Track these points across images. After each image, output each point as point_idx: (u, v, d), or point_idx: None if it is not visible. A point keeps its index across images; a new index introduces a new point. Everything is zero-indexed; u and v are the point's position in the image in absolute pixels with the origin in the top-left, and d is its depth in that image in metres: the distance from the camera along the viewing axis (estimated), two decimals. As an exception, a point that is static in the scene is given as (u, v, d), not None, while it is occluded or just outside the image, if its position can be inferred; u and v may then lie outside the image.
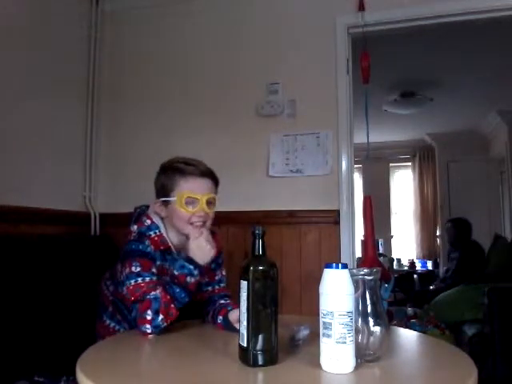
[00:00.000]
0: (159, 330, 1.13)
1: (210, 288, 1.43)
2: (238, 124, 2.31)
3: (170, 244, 1.32)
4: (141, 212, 1.36)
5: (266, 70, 2.30)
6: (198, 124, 2.36)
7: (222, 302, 1.37)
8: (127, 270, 1.22)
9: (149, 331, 1.12)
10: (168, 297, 1.15)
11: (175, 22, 2.47)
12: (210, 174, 1.34)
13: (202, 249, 1.24)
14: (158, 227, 1.31)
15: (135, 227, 1.29)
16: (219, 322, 1.23)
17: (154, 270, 1.24)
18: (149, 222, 1.31)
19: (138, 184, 2.40)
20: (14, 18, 1.94)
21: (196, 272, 1.21)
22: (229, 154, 2.30)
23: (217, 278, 1.44)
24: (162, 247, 1.30)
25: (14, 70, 1.93)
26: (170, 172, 1.32)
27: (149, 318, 1.12)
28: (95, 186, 2.43)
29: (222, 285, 1.45)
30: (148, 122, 2.45)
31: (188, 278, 1.20)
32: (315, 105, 2.22)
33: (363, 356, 0.88)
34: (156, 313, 1.13)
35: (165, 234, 1.32)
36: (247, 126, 2.29)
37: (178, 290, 1.17)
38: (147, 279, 1.20)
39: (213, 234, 1.38)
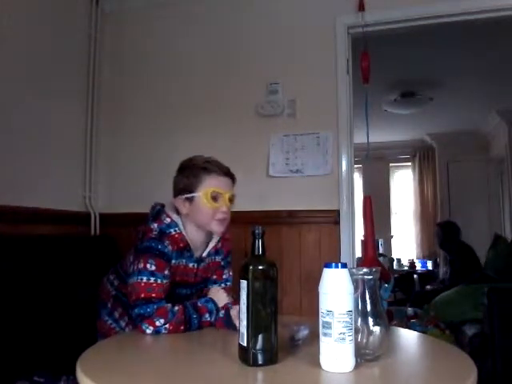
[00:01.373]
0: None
1: (216, 286, 1.45)
2: (238, 124, 2.31)
3: (188, 241, 1.35)
4: (159, 210, 1.38)
5: (266, 70, 2.30)
6: (198, 124, 2.36)
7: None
8: (141, 265, 1.24)
9: (148, 332, 1.15)
10: (183, 316, 1.18)
11: (175, 22, 2.47)
12: (230, 174, 1.41)
13: (220, 293, 1.33)
14: (177, 225, 1.35)
15: (155, 225, 1.32)
16: (220, 315, 1.25)
17: (166, 271, 1.28)
18: (168, 220, 1.34)
19: (138, 184, 2.41)
20: (14, 17, 1.94)
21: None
22: (229, 154, 2.27)
23: (224, 276, 1.49)
24: (181, 244, 1.33)
25: (14, 70, 1.93)
26: (195, 170, 1.36)
27: (157, 324, 1.16)
28: (95, 186, 2.44)
29: (228, 284, 1.49)
30: (148, 122, 2.45)
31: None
32: (315, 105, 2.22)
33: (363, 355, 0.89)
34: (166, 323, 1.16)
35: (184, 233, 1.35)
36: (247, 126, 2.29)
37: (194, 316, 1.20)
38: (159, 281, 1.24)
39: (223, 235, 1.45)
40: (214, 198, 1.33)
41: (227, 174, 1.38)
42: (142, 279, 1.22)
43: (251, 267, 0.90)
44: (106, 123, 2.50)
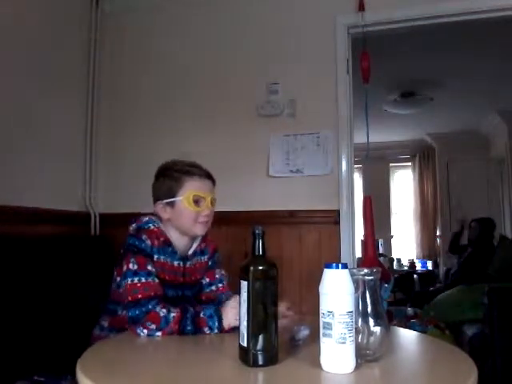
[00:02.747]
0: None
1: (213, 288, 1.45)
2: (239, 124, 2.31)
3: (169, 237, 1.34)
4: (138, 216, 1.36)
5: (266, 70, 2.30)
6: (198, 124, 2.36)
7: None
8: (125, 267, 1.24)
9: (142, 335, 1.13)
10: (177, 326, 1.13)
11: (175, 22, 2.47)
12: (210, 176, 1.40)
13: (232, 313, 1.16)
14: (156, 222, 1.33)
15: (134, 225, 1.32)
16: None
17: (149, 267, 1.24)
18: (146, 218, 1.34)
19: (137, 184, 2.40)
20: (14, 18, 1.94)
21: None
22: (229, 154, 2.30)
23: (217, 276, 1.47)
24: (161, 238, 1.31)
25: (14, 70, 1.93)
26: (176, 174, 1.34)
27: (150, 327, 1.13)
28: (95, 186, 2.44)
29: (224, 283, 1.47)
30: (148, 122, 2.45)
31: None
32: (315, 105, 2.22)
33: (363, 356, 0.88)
34: (158, 330, 1.13)
35: (163, 228, 1.34)
36: (247, 126, 2.29)
37: (189, 328, 1.14)
38: (143, 279, 1.21)
39: (205, 234, 1.43)
40: (196, 202, 1.32)
41: (208, 176, 1.38)
42: (127, 281, 1.21)
43: (252, 267, 0.90)
44: (106, 123, 2.50)
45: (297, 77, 2.26)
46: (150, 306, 1.15)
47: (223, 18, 2.41)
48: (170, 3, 2.47)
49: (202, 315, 1.16)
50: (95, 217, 2.37)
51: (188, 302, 1.29)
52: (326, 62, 2.22)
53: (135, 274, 1.21)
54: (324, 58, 2.23)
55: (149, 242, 1.28)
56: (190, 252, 1.40)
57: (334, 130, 2.19)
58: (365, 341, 0.89)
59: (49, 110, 2.13)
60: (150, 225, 1.31)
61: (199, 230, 1.35)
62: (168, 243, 1.33)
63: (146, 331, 1.13)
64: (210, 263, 1.47)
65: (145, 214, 1.36)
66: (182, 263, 1.37)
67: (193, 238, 1.40)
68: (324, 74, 2.23)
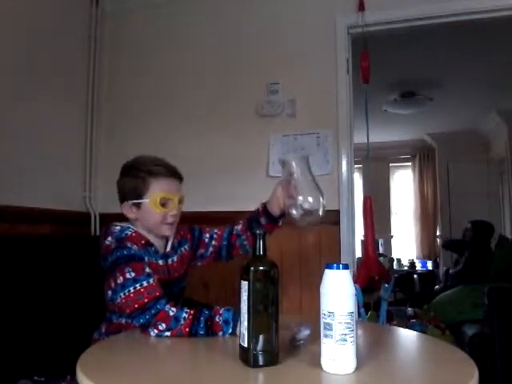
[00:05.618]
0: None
1: (213, 242, 1.47)
2: (238, 124, 2.31)
3: (148, 238, 1.32)
4: (106, 228, 1.34)
5: (266, 69, 2.30)
6: (198, 124, 2.36)
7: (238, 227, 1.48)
8: (121, 278, 1.18)
9: (152, 334, 1.11)
10: (187, 329, 1.09)
11: (175, 22, 2.47)
12: (177, 174, 1.36)
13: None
14: (129, 227, 1.31)
15: (109, 238, 1.27)
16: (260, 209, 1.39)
17: (147, 269, 1.22)
18: (118, 227, 1.31)
19: (138, 184, 2.41)
20: (14, 17, 1.94)
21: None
22: (229, 154, 2.30)
23: (207, 240, 1.47)
24: (142, 241, 1.29)
25: (13, 70, 1.93)
26: (141, 174, 1.32)
27: (160, 328, 1.10)
28: (95, 186, 2.44)
29: (216, 231, 1.49)
30: (148, 122, 2.45)
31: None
32: (315, 105, 2.22)
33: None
34: (167, 330, 1.10)
35: (139, 230, 1.32)
36: (247, 125, 2.29)
37: (201, 332, 1.10)
38: (145, 283, 1.17)
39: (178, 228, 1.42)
40: (163, 204, 1.30)
41: (174, 174, 1.34)
42: (129, 291, 1.15)
43: (252, 268, 0.89)
44: (106, 123, 2.50)
45: (297, 77, 2.26)
46: (158, 307, 1.13)
47: (223, 18, 2.41)
48: (170, 3, 2.47)
49: (217, 319, 1.11)
50: (95, 217, 2.37)
51: (174, 298, 1.25)
52: (326, 62, 2.22)
53: (135, 281, 1.17)
54: (324, 57, 2.23)
55: (135, 247, 1.25)
56: (168, 248, 1.38)
57: (333, 129, 2.18)
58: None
59: (49, 110, 2.13)
60: (127, 232, 1.28)
61: (167, 231, 1.33)
62: (149, 244, 1.32)
63: (156, 331, 1.10)
64: (195, 243, 1.46)
65: (112, 223, 1.33)
66: (163, 261, 1.35)
67: (164, 237, 1.38)
68: (324, 73, 2.23)
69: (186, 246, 1.45)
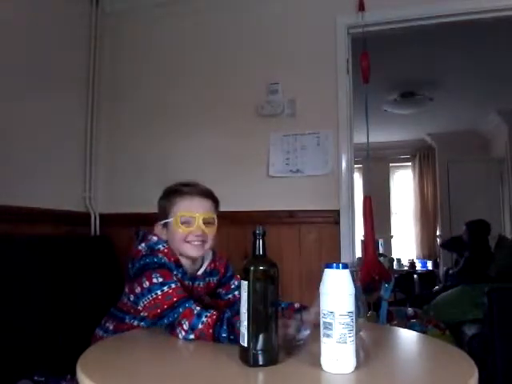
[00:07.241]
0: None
1: (230, 296, 1.44)
2: (238, 124, 2.31)
3: (178, 256, 1.31)
4: (144, 233, 1.35)
5: (266, 70, 2.30)
6: (198, 124, 2.36)
7: None
8: (147, 283, 1.18)
9: (180, 336, 1.09)
10: (210, 331, 1.06)
11: (175, 21, 2.47)
12: (208, 195, 1.35)
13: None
14: (165, 243, 1.31)
15: (143, 245, 1.28)
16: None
17: (174, 278, 1.22)
18: (155, 238, 1.31)
19: (137, 184, 2.41)
20: (14, 17, 1.94)
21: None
22: (229, 154, 2.30)
23: (233, 286, 1.46)
24: (172, 259, 1.29)
25: (13, 70, 1.93)
26: (170, 194, 1.34)
27: (185, 327, 1.09)
28: (95, 186, 2.43)
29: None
30: (148, 122, 2.45)
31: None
32: (315, 105, 2.22)
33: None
34: (191, 329, 1.08)
35: (172, 247, 1.32)
36: (247, 125, 2.29)
37: (224, 335, 1.05)
38: (173, 285, 1.17)
39: (214, 253, 1.42)
40: (186, 223, 1.28)
41: (203, 194, 1.33)
42: (156, 293, 1.15)
43: (252, 268, 0.90)
44: (106, 123, 2.50)
45: (297, 77, 2.26)
46: (186, 305, 1.12)
47: (223, 18, 2.41)
48: (170, 3, 2.46)
49: (237, 327, 1.05)
50: (95, 217, 2.37)
51: None
52: (326, 62, 2.22)
53: (163, 284, 1.17)
54: (324, 57, 2.23)
55: (166, 259, 1.26)
56: (200, 272, 1.37)
57: (333, 129, 2.18)
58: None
59: (49, 110, 2.13)
60: (160, 246, 1.29)
61: (191, 251, 1.30)
62: (179, 264, 1.31)
63: (183, 332, 1.08)
64: (223, 280, 1.45)
65: (149, 232, 1.34)
66: (190, 283, 1.35)
67: (195, 259, 1.36)
68: (324, 73, 2.23)
69: (215, 278, 1.44)
